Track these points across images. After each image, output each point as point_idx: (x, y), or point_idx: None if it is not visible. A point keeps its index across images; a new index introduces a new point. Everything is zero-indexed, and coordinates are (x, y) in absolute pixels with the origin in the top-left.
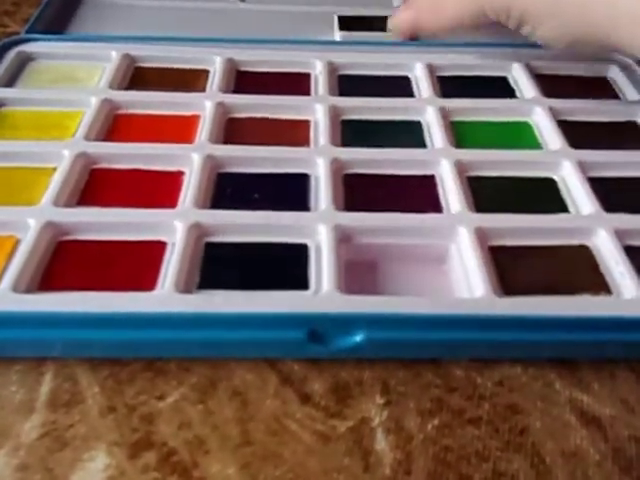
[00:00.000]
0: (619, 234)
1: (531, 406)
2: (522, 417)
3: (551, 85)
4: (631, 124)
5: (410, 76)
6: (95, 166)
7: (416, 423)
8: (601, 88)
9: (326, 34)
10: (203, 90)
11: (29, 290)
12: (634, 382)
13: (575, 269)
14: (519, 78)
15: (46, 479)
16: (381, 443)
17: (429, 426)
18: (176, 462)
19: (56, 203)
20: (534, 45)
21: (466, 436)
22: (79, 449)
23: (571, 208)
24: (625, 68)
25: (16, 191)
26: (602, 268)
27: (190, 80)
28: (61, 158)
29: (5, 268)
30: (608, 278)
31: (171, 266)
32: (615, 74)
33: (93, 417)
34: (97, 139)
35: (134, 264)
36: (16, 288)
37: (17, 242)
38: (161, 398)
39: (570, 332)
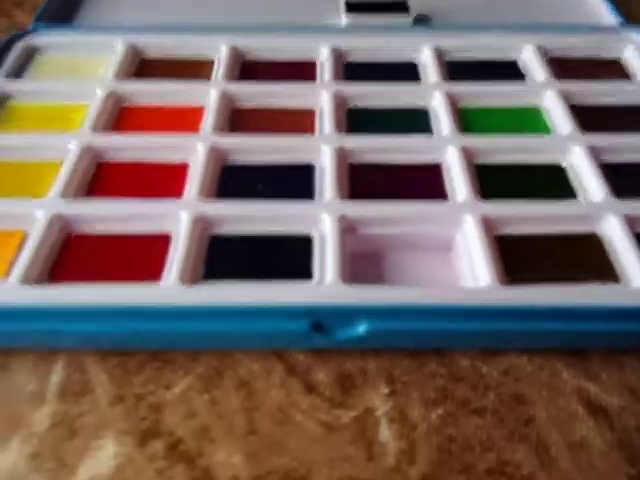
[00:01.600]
0: (630, 221)
1: (537, 396)
2: (528, 407)
3: (563, 68)
4: None
5: (417, 61)
6: (101, 158)
7: (420, 413)
8: (615, 70)
9: (332, 17)
10: (208, 79)
11: (38, 283)
12: None
13: (583, 257)
14: (530, 62)
15: (57, 467)
16: (385, 433)
17: (433, 415)
18: (183, 451)
19: (64, 196)
20: (546, 27)
21: (470, 426)
22: (89, 438)
23: (580, 195)
24: None
25: (24, 184)
26: (611, 256)
27: (196, 69)
28: (68, 151)
29: (14, 261)
30: (617, 266)
31: (176, 258)
32: (630, 55)
33: (102, 407)
34: (103, 131)
35: (140, 256)
36: (25, 281)
37: (25, 235)
38: (168, 388)
39: (577, 321)
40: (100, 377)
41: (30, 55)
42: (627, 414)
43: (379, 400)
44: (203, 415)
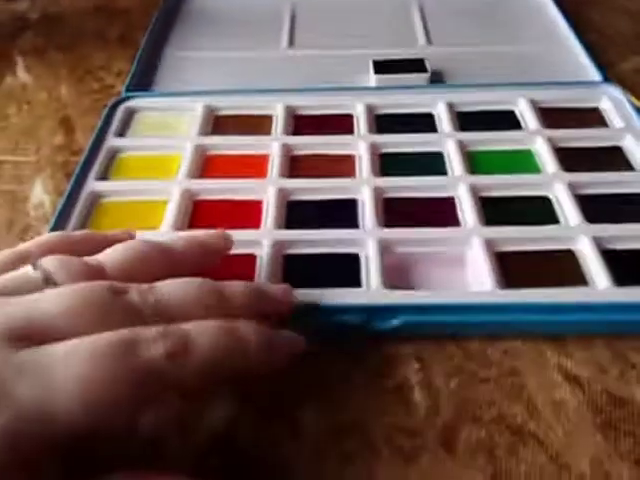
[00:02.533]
0: (597, 240)
1: (527, 369)
2: (521, 378)
3: (550, 117)
4: (616, 148)
5: (434, 113)
6: (196, 198)
7: (442, 382)
8: (593, 118)
9: (364, 75)
10: (269, 132)
11: None
12: (607, 350)
13: (562, 267)
14: (524, 111)
15: None
16: (418, 395)
17: (452, 384)
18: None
19: (174, 228)
20: (537, 83)
21: (478, 390)
22: None
23: (562, 220)
24: (613, 99)
25: (141, 219)
26: (582, 267)
27: (259, 124)
28: (171, 193)
29: None
30: (586, 274)
31: (262, 273)
32: (605, 104)
33: None
34: (195, 177)
35: (235, 273)
36: None
37: None
38: None
39: (557, 314)
40: None
41: (129, 116)
42: (594, 382)
43: (412, 373)
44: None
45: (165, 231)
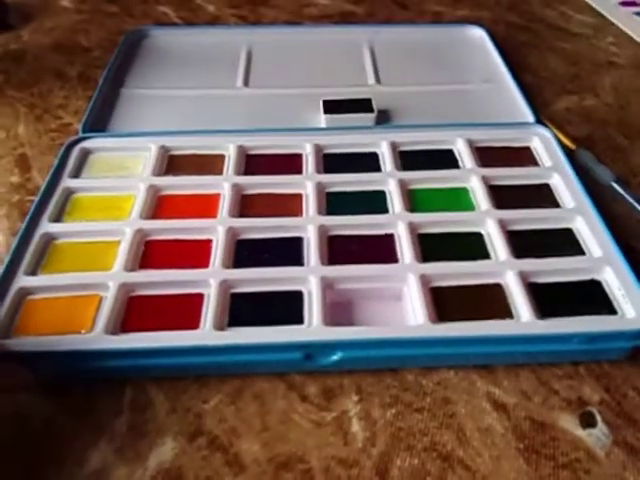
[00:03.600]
0: (523, 275)
1: (459, 398)
2: (452, 406)
3: (486, 155)
4: (544, 186)
5: (378, 152)
6: (148, 238)
7: (379, 413)
8: (525, 156)
9: (315, 114)
10: (221, 172)
11: (114, 332)
12: (533, 379)
13: (491, 301)
14: (462, 151)
15: (135, 457)
16: (356, 426)
17: (388, 414)
18: (219, 443)
19: (125, 268)
20: (474, 124)
21: (413, 420)
22: (154, 437)
23: (492, 255)
24: (544, 139)
25: (94, 260)
26: (509, 300)
27: (212, 164)
28: (124, 234)
29: (96, 318)
30: (512, 307)
31: (209, 311)
32: (536, 144)
33: (161, 416)
34: (147, 217)
35: (183, 311)
36: (106, 331)
37: (101, 299)
38: (206, 402)
39: (486, 346)
40: (158, 396)
41: (85, 157)
42: (519, 409)
43: (351, 405)
44: (231, 419)
45: (119, 274)
